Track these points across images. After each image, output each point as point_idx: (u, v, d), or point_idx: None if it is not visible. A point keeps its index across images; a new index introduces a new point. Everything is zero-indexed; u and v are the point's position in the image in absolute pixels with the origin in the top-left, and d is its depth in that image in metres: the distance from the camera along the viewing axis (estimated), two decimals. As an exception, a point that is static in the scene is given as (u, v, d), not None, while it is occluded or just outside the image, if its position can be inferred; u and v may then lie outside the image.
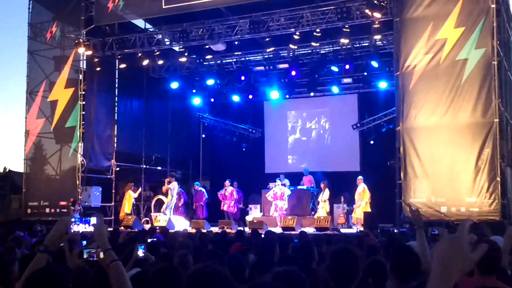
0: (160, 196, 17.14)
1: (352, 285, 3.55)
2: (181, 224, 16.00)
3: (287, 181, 16.78)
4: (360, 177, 15.64)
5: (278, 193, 15.97)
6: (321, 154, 20.00)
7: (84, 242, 5.18)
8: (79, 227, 3.04)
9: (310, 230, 14.04)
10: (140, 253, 6.37)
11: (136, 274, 3.58)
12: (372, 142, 18.28)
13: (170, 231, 13.35)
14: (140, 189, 17.17)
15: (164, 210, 16.48)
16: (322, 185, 16.19)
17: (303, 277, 3.32)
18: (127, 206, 16.72)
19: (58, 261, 4.56)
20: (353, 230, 14.82)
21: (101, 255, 2.83)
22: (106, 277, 2.97)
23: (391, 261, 3.96)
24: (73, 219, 3.07)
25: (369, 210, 15.06)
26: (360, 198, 15.32)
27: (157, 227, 14.70)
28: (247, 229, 13.96)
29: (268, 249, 6.32)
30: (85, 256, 3.28)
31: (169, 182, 16.61)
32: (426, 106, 12.87)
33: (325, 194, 15.96)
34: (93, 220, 3.01)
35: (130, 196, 16.79)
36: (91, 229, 3.02)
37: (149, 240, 8.10)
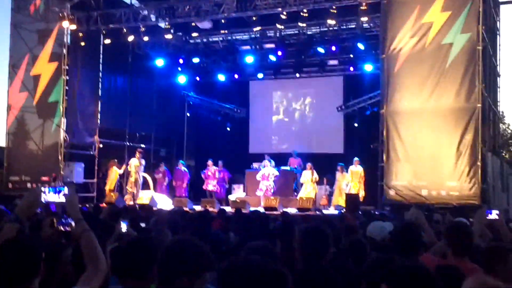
0: (144, 174, 17.07)
1: (322, 261, 3.56)
2: (164, 202, 15.99)
3: (272, 162, 16.81)
4: (356, 158, 15.73)
5: (267, 173, 16.02)
6: (305, 136, 20.04)
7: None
8: (50, 197, 3.03)
9: (292, 210, 14.13)
10: (123, 228, 6.39)
11: (114, 247, 3.58)
12: (356, 124, 18.32)
13: (154, 208, 13.40)
14: (124, 166, 17.06)
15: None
16: (308, 167, 16.24)
17: (274, 252, 3.35)
18: (110, 183, 16.64)
19: (34, 231, 4.56)
20: (336, 211, 14.92)
21: (73, 224, 2.81)
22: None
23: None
24: (44, 189, 3.05)
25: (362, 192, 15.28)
26: (356, 179, 15.49)
27: (139, 204, 14.77)
28: (229, 209, 14.03)
29: (251, 228, 6.36)
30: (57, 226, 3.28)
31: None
32: (410, 90, 12.91)
33: (315, 176, 16.05)
34: (65, 190, 2.99)
35: (115, 173, 16.70)
36: (63, 199, 3.01)
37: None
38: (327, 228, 4.10)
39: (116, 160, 16.96)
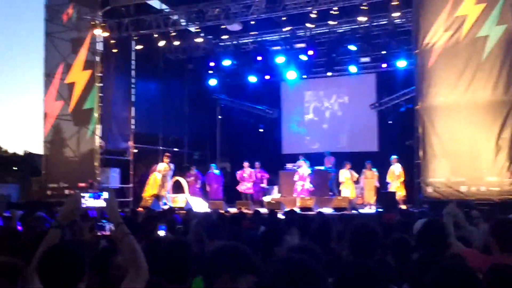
0: (178, 178, 17.19)
1: (371, 259, 3.61)
2: (199, 205, 16.04)
3: (307, 162, 16.74)
4: (394, 156, 15.55)
5: (303, 173, 15.97)
6: (339, 135, 19.87)
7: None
8: (90, 202, 3.05)
9: (328, 210, 14.02)
10: (161, 233, 6.42)
11: (150, 248, 3.59)
12: (390, 122, 18.05)
13: (189, 211, 13.46)
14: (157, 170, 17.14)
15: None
16: (346, 166, 16.19)
17: (318, 251, 3.32)
18: (151, 188, 16.79)
19: (75, 236, 4.61)
20: (372, 210, 14.75)
21: (112, 228, 2.82)
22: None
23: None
24: (84, 194, 3.07)
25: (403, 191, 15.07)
26: (395, 178, 15.30)
27: (176, 208, 14.86)
28: (264, 210, 14.00)
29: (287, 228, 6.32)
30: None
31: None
32: (445, 85, 12.66)
33: (353, 176, 15.99)
34: (105, 194, 3.00)
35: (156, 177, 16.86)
36: (102, 204, 3.02)
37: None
38: (377, 227, 4.12)
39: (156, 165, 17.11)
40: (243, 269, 2.41)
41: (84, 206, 3.18)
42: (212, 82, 20.18)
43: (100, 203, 3.10)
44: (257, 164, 17.61)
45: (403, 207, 14.17)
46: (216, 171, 17.96)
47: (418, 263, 3.51)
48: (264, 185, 17.69)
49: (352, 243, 3.86)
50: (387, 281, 2.44)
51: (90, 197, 3.06)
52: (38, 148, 17.84)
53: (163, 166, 16.58)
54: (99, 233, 3.83)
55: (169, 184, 16.63)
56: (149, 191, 16.71)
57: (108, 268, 3.37)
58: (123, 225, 2.94)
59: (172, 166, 16.75)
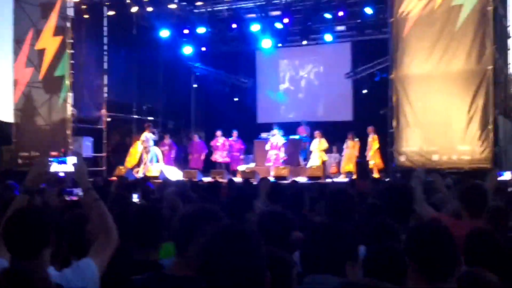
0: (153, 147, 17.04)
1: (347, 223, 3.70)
2: (174, 174, 15.97)
3: (281, 131, 16.74)
4: (370, 126, 15.62)
5: (275, 142, 15.97)
6: (313, 104, 19.89)
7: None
8: (57, 167, 2.99)
9: (302, 179, 14.11)
10: (135, 199, 6.41)
11: (122, 214, 3.57)
12: (365, 91, 18.10)
13: (161, 180, 13.41)
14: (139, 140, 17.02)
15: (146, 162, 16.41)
16: (316, 135, 16.16)
17: (289, 216, 3.35)
18: (132, 158, 16.68)
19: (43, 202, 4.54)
20: (346, 179, 14.88)
21: (80, 194, 2.79)
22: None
23: None
24: (51, 159, 3.01)
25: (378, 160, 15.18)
26: (370, 146, 15.42)
27: (150, 177, 14.79)
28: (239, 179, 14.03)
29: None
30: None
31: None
32: (419, 54, 12.71)
33: (322, 144, 15.98)
34: (72, 159, 2.95)
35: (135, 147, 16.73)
36: (70, 169, 2.97)
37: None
38: (352, 189, 4.24)
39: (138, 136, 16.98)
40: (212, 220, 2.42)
41: (52, 171, 3.12)
42: (187, 50, 19.85)
43: (69, 168, 3.04)
44: (234, 133, 17.56)
45: (376, 175, 14.33)
46: (198, 140, 17.88)
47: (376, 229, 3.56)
48: (241, 155, 17.66)
49: (328, 207, 3.98)
50: (356, 242, 2.47)
51: (55, 161, 3.00)
52: (8, 116, 17.40)
53: (145, 136, 16.39)
54: (67, 198, 3.78)
55: (150, 154, 16.42)
56: (131, 161, 16.60)
57: (76, 234, 3.34)
58: (92, 191, 2.92)
59: (151, 135, 16.50)
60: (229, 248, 1.67)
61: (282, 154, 15.92)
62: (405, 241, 2.51)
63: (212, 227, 1.79)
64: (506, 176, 7.60)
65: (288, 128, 17.27)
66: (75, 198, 3.50)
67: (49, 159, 3.01)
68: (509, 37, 15.02)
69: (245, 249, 1.69)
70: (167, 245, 3.19)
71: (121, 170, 15.78)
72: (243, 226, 1.85)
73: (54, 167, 3.00)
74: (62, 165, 3.01)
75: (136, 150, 16.73)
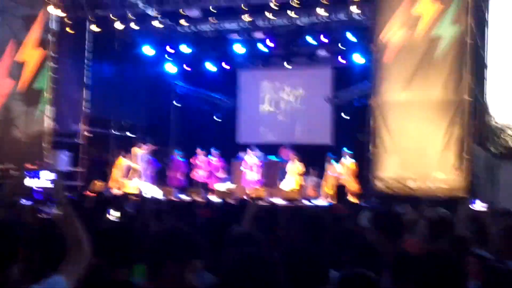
0: (130, 163, 16.92)
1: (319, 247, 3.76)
2: (152, 191, 15.83)
3: (259, 152, 16.77)
4: (345, 150, 15.72)
5: (249, 162, 15.99)
6: (293, 126, 20.01)
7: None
8: (31, 182, 2.98)
9: (279, 201, 14.10)
10: (111, 217, 6.35)
11: (96, 231, 3.55)
12: (344, 115, 18.28)
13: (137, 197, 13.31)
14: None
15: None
16: (291, 157, 16.26)
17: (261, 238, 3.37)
18: (116, 173, 16.71)
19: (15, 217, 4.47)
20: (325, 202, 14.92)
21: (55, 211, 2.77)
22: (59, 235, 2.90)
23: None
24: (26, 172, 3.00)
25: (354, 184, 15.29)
26: (346, 171, 15.51)
27: (126, 193, 14.66)
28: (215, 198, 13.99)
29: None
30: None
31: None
32: (398, 81, 12.87)
33: (298, 167, 16.03)
34: (48, 174, 2.94)
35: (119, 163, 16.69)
36: (44, 184, 2.96)
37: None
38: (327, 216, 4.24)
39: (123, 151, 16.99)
40: (189, 255, 2.40)
41: (27, 186, 3.11)
42: (169, 67, 19.88)
43: (43, 182, 3.03)
44: (213, 152, 17.52)
45: (352, 199, 14.38)
46: (179, 158, 17.78)
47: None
48: (220, 174, 17.57)
49: (302, 231, 4.00)
50: (327, 266, 2.48)
51: (28, 175, 2.99)
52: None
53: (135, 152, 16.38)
54: (42, 215, 3.74)
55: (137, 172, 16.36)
56: (112, 177, 16.54)
57: (48, 249, 3.31)
58: (68, 206, 2.89)
59: (141, 151, 16.45)
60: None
61: (256, 175, 15.93)
62: None
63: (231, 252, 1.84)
64: (477, 205, 7.71)
65: (267, 149, 17.32)
66: (49, 215, 3.47)
67: (25, 172, 3.00)
68: (486, 67, 15.32)
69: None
70: (139, 266, 3.17)
71: (96, 185, 15.60)
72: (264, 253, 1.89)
73: (29, 181, 2.99)
74: (35, 179, 3.00)
75: (119, 165, 16.66)
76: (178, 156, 17.84)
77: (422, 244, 4.24)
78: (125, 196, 13.48)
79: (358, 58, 17.19)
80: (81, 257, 2.78)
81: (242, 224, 5.52)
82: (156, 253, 2.49)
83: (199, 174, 17.30)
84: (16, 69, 16.29)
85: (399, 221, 4.16)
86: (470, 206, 5.95)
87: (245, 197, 12.70)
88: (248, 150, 16.36)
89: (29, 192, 6.07)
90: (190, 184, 17.12)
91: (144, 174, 17.11)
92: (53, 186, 2.94)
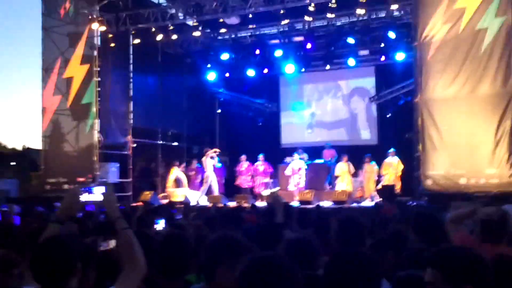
0: (177, 172, 17.15)
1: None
2: (198, 199, 16.02)
3: (305, 155, 16.70)
4: (392, 149, 15.56)
5: (296, 167, 15.93)
6: (338, 128, 19.86)
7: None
8: (85, 197, 3.03)
9: (327, 204, 14.02)
10: (160, 226, 6.40)
11: (148, 242, 3.58)
12: (389, 115, 18.02)
13: (188, 205, 13.46)
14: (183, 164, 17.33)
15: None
16: (343, 159, 16.15)
17: (315, 243, 3.33)
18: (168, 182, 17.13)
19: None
20: (372, 203, 14.75)
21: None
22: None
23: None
24: (82, 189, 3.06)
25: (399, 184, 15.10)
26: (392, 170, 15.33)
27: (175, 202, 14.87)
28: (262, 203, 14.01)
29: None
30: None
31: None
32: (444, 77, 12.61)
33: (349, 168, 15.98)
34: (101, 189, 2.99)
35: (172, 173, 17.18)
36: (99, 198, 3.00)
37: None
38: (363, 219, 4.10)
39: (177, 162, 17.40)
40: (241, 255, 2.40)
41: (83, 201, 3.16)
42: (211, 76, 20.10)
43: (98, 197, 3.08)
44: (261, 157, 17.51)
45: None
46: (218, 164, 17.91)
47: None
48: (267, 179, 17.55)
49: (337, 236, 3.86)
50: (376, 273, 2.40)
51: (83, 191, 3.04)
52: (36, 143, 17.81)
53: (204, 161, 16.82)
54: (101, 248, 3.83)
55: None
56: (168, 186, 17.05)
57: (105, 263, 3.35)
58: (122, 220, 2.90)
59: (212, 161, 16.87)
60: (265, 279, 1.71)
61: (303, 178, 15.87)
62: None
63: (246, 258, 1.84)
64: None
65: (313, 152, 17.24)
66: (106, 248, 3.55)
67: (81, 189, 3.06)
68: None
69: (281, 280, 1.72)
70: (191, 276, 3.19)
71: (146, 195, 15.89)
72: (278, 256, 1.91)
73: (85, 197, 3.05)
74: (89, 194, 3.05)
75: (171, 175, 16.98)
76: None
77: (474, 241, 4.12)
78: (172, 204, 13.72)
79: (400, 56, 16.91)
80: (136, 269, 2.81)
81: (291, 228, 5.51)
82: (211, 260, 2.56)
83: (244, 181, 17.36)
84: (64, 86, 16.79)
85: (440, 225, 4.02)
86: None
87: (290, 202, 12.66)
88: (295, 154, 16.31)
89: (84, 207, 6.21)
90: (236, 191, 17.17)
91: (194, 183, 17.33)
92: (104, 199, 2.96)
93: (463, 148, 12.24)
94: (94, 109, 16.33)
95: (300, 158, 16.27)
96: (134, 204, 14.69)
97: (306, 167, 16.03)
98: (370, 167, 15.92)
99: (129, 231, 2.84)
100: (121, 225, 2.85)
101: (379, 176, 15.84)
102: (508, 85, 11.88)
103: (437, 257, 2.31)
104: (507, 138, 11.81)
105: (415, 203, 12.26)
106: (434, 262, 2.30)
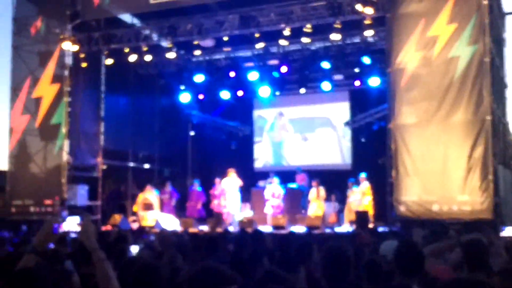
0: (147, 195, 16.82)
1: (344, 283, 3.61)
2: (170, 222, 15.70)
3: (277, 179, 16.61)
4: (362, 175, 15.56)
5: (276, 192, 15.83)
6: (312, 152, 19.87)
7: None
8: (66, 226, 2.97)
9: (301, 229, 13.90)
10: (135, 250, 6.28)
11: (122, 270, 3.48)
12: (363, 139, 18.13)
13: (157, 230, 13.17)
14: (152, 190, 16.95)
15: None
16: (314, 184, 16.05)
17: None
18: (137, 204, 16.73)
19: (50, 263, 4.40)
20: (346, 229, 14.68)
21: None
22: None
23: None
24: (60, 219, 3.00)
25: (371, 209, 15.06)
26: (362, 196, 15.31)
27: (146, 227, 14.57)
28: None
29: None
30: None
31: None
32: (418, 104, 12.71)
33: (321, 193, 15.86)
34: (77, 219, 2.95)
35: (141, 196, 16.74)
36: (76, 228, 2.94)
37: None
38: (349, 249, 4.12)
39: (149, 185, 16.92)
40: (223, 285, 2.42)
41: (61, 230, 3.12)
42: (184, 97, 19.94)
43: (74, 227, 3.04)
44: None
45: (370, 225, 14.14)
46: (198, 188, 17.67)
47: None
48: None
49: (324, 267, 3.84)
50: None
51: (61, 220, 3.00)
52: (2, 163, 17.29)
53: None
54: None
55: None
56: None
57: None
58: (99, 251, 2.89)
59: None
60: None
61: (281, 203, 15.77)
62: None
63: None
64: (509, 231, 7.44)
65: (286, 176, 17.15)
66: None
67: (59, 218, 3.01)
68: (506, 87, 15.14)
69: None
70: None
71: (116, 219, 15.52)
72: None
73: (65, 226, 3.01)
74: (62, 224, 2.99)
75: (140, 197, 16.63)
76: (197, 186, 17.70)
77: (453, 272, 4.13)
78: (143, 229, 13.42)
79: (374, 81, 17.06)
80: None
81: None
82: None
83: (219, 204, 17.12)
84: (33, 105, 16.42)
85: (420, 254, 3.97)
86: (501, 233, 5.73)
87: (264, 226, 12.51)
88: (274, 178, 16.18)
89: (63, 237, 5.99)
90: (210, 215, 16.92)
91: (167, 206, 17.02)
92: (81, 230, 2.91)
93: (435, 175, 12.31)
94: (63, 130, 15.97)
95: (269, 183, 16.17)
96: (104, 228, 14.35)
97: (283, 192, 15.96)
98: (351, 192, 15.86)
99: (107, 263, 2.84)
100: (98, 257, 2.82)
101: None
102: (479, 113, 12.03)
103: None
104: (479, 165, 11.92)
105: (387, 230, 12.24)
106: None
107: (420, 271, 3.84)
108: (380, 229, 12.58)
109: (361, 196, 15.43)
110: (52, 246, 5.44)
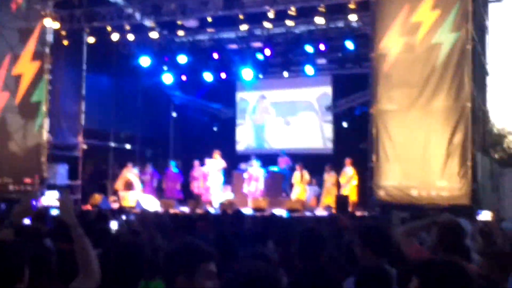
0: (128, 175, 16.75)
1: (319, 262, 3.75)
2: (151, 203, 15.68)
3: (258, 162, 16.65)
4: (348, 159, 15.63)
5: (255, 174, 15.88)
6: (293, 136, 19.92)
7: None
8: (45, 201, 2.95)
9: (281, 212, 13.97)
10: (114, 226, 6.28)
11: (103, 248, 3.49)
12: (345, 124, 18.21)
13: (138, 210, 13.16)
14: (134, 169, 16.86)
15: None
16: (298, 167, 16.14)
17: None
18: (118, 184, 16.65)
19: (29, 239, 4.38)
20: (325, 212, 14.80)
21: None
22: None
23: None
24: (38, 193, 2.97)
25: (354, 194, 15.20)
26: (347, 180, 15.42)
27: (126, 207, 14.55)
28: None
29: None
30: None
31: None
32: (400, 89, 12.79)
33: (304, 176, 15.96)
34: (56, 194, 2.92)
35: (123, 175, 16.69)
36: (55, 203, 2.92)
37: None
38: (324, 230, 4.23)
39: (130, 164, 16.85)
40: (201, 260, 2.44)
41: (40, 205, 3.10)
42: (167, 78, 19.75)
43: (52, 201, 3.02)
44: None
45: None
46: (175, 169, 17.62)
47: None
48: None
49: (299, 248, 3.96)
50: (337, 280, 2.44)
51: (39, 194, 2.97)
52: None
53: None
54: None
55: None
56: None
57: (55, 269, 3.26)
58: (79, 227, 2.88)
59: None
60: None
61: (260, 186, 15.83)
62: None
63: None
64: (485, 215, 7.58)
65: (268, 159, 17.20)
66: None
67: (37, 193, 2.99)
68: (487, 74, 15.31)
69: None
70: (154, 283, 3.10)
71: (96, 199, 15.44)
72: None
73: (44, 201, 2.99)
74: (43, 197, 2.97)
75: (121, 176, 16.56)
76: (173, 167, 17.66)
77: (428, 252, 4.21)
78: (123, 209, 13.40)
79: (357, 66, 17.10)
80: (90, 278, 2.78)
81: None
82: (170, 268, 2.50)
83: (198, 186, 17.14)
84: (13, 82, 16.16)
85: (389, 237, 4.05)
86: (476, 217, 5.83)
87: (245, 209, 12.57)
88: (254, 161, 16.23)
89: (44, 211, 5.95)
90: (189, 197, 16.92)
91: (148, 187, 17.01)
92: (60, 205, 2.88)
93: (415, 160, 12.44)
94: (44, 108, 15.78)
95: (250, 166, 16.22)
96: (84, 208, 14.28)
97: (265, 175, 16.01)
98: (329, 176, 15.97)
99: (86, 239, 2.81)
100: (77, 232, 2.81)
101: (339, 185, 15.88)
102: (460, 99, 12.16)
103: (423, 268, 2.37)
104: (458, 151, 12.07)
105: (366, 215, 12.38)
106: (420, 273, 2.35)
107: (388, 251, 3.92)
108: (358, 213, 12.73)
109: (346, 180, 15.54)
110: (31, 223, 5.45)
